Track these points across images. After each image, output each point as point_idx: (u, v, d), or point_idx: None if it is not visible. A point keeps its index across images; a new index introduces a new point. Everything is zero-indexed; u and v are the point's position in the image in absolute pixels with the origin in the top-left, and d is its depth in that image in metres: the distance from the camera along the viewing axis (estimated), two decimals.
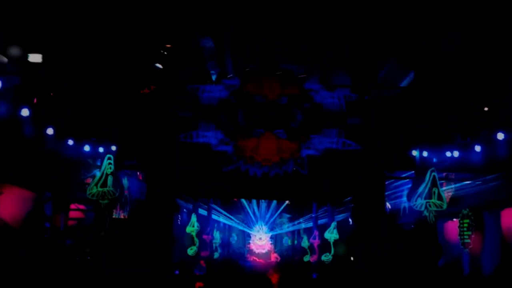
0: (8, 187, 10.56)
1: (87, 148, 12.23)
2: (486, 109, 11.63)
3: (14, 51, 9.96)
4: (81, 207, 13.61)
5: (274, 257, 18.63)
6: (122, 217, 14.55)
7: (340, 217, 17.19)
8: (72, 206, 13.18)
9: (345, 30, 11.86)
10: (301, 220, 19.71)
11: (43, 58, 11.46)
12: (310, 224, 18.86)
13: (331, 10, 11.32)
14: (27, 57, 11.26)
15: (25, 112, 10.05)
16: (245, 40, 12.80)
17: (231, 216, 20.07)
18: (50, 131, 10.99)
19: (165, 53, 13.12)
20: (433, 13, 10.58)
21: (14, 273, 9.80)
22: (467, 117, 11.67)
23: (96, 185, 11.90)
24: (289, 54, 13.60)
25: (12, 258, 10.42)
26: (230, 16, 11.57)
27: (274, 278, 6.81)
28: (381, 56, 12.51)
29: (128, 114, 13.13)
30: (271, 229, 20.14)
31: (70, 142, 11.79)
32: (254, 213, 20.04)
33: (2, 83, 9.77)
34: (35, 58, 11.51)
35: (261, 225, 20.10)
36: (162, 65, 13.16)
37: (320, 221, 18.30)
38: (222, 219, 19.62)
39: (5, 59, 10.59)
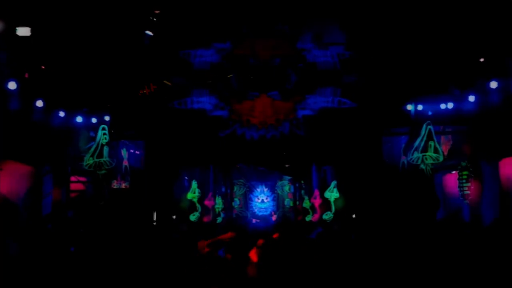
0: (7, 163, 10.57)
1: (79, 119, 12.20)
2: (481, 60, 11.42)
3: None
4: (82, 179, 13.67)
5: (273, 218, 18.80)
6: (123, 187, 14.61)
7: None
8: (73, 178, 13.25)
9: None
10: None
11: (32, 30, 11.31)
12: None
13: None
14: (15, 30, 11.12)
15: (12, 85, 9.91)
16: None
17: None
18: (40, 103, 10.93)
19: (155, 19, 12.96)
20: None
21: (17, 248, 9.92)
22: (460, 68, 11.51)
23: (92, 156, 11.95)
24: (281, 14, 13.39)
25: (14, 233, 10.54)
26: None
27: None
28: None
29: (121, 84, 13.04)
30: (273, 191, 20.17)
31: (61, 114, 11.74)
32: (255, 175, 20.05)
33: None
34: (23, 31, 11.36)
35: (262, 188, 20.14)
36: (152, 32, 13.02)
37: None
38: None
39: None
